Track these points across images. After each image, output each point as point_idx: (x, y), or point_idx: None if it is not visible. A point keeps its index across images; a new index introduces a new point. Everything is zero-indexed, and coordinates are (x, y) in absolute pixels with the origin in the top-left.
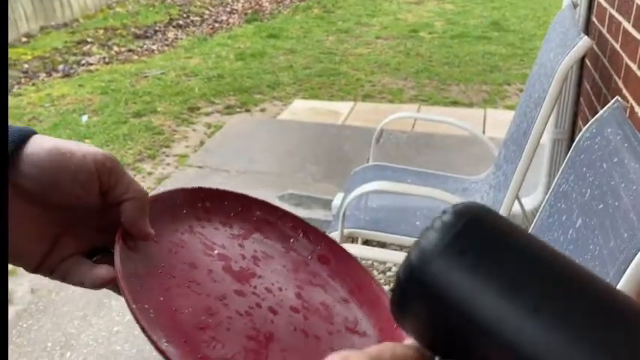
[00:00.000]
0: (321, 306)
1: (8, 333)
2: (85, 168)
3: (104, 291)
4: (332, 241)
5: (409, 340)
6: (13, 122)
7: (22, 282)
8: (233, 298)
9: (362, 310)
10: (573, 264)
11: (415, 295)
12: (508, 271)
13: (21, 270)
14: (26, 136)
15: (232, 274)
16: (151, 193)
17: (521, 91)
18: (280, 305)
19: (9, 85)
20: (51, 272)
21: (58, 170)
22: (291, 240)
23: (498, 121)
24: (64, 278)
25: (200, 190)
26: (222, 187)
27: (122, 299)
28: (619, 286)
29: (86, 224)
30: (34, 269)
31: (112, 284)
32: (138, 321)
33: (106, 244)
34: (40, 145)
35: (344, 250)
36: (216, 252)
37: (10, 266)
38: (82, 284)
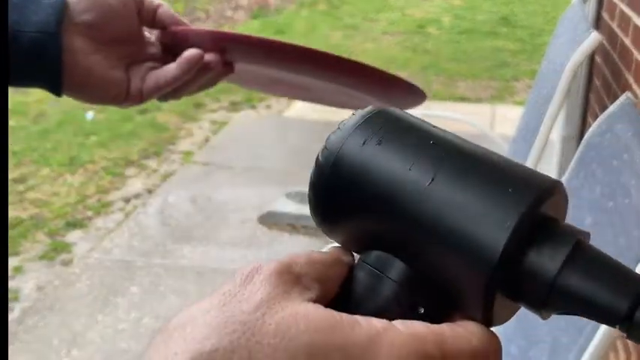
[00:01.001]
0: None
1: (14, 331)
2: None
3: (110, 288)
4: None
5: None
6: (18, 119)
7: (28, 279)
8: None
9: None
10: (465, 141)
11: (329, 196)
12: (405, 153)
13: (27, 267)
14: None
15: None
16: (156, 191)
17: (530, 87)
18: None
19: None
20: (141, 96)
21: None
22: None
23: (507, 118)
24: (157, 86)
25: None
26: (227, 184)
27: (128, 296)
28: None
29: (141, 55)
30: (124, 98)
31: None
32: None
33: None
34: None
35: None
36: None
37: (16, 262)
38: (181, 73)
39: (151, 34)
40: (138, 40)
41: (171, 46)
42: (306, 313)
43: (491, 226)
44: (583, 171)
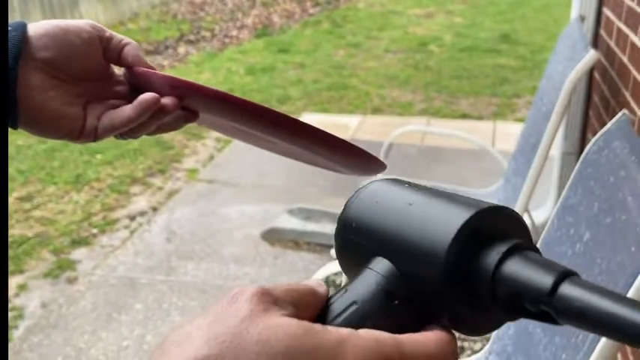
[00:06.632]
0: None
1: (18, 349)
2: (83, 28)
3: (114, 305)
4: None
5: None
6: (25, 139)
7: (33, 297)
8: None
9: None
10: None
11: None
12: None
13: (33, 284)
14: (23, 23)
15: None
16: (160, 209)
17: (531, 103)
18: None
19: None
20: (95, 134)
21: (64, 33)
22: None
23: (508, 134)
24: (112, 126)
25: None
26: (231, 202)
27: (132, 314)
28: None
29: (104, 93)
30: (78, 134)
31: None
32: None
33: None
34: (39, 23)
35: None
36: None
37: (21, 280)
38: (129, 118)
39: (120, 72)
40: (103, 77)
41: (136, 86)
42: (282, 324)
43: (441, 234)
44: (581, 187)
